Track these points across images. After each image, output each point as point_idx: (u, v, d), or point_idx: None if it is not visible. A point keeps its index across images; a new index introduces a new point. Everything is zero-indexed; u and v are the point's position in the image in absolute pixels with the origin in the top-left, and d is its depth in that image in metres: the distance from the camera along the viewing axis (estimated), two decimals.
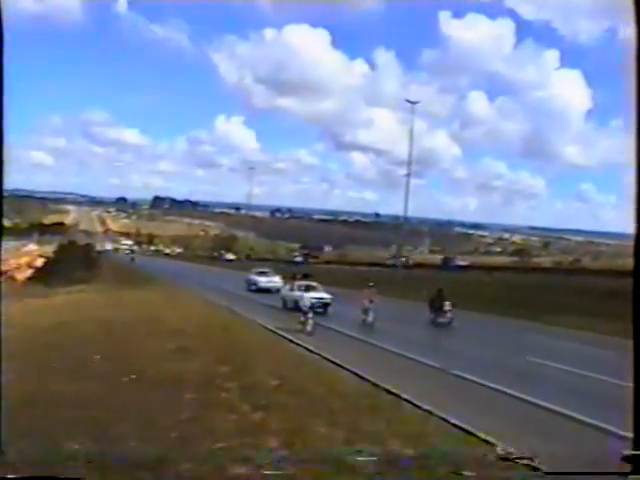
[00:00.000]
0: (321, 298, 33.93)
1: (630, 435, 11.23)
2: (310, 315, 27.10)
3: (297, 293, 35.22)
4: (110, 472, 8.09)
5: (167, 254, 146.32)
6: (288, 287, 38.55)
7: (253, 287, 48.86)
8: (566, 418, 13.91)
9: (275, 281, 47.88)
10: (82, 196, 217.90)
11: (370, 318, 30.26)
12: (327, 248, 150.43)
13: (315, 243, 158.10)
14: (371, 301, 30.89)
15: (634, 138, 4.24)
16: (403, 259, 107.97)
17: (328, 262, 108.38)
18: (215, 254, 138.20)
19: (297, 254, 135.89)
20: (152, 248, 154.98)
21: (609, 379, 17.91)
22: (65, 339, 20.65)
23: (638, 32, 4.19)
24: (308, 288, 35.63)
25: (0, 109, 4.14)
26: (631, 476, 4.97)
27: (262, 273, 51.28)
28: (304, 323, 26.82)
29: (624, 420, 12.50)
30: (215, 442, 9.93)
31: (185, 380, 14.40)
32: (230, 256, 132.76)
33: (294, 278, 39.94)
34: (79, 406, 11.75)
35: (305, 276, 40.75)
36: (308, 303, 29.04)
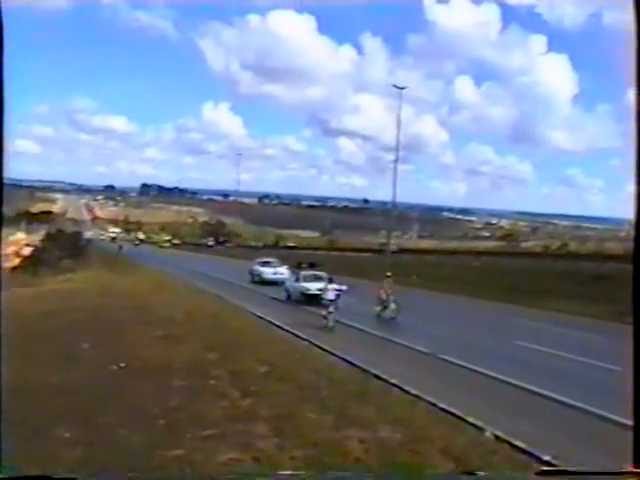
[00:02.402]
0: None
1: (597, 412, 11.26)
2: (331, 309, 24.86)
3: (304, 284, 32.96)
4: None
5: (141, 240, 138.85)
6: (293, 277, 35.73)
7: (257, 279, 45.15)
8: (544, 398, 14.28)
9: (281, 272, 43.56)
10: (70, 184, 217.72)
11: (389, 312, 27.25)
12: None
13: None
14: (389, 293, 27.73)
15: (634, 128, 4.27)
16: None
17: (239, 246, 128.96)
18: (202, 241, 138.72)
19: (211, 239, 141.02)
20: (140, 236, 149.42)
21: (591, 361, 18.24)
22: (53, 328, 20.61)
23: (638, 31, 4.21)
24: (315, 278, 32.86)
25: (1, 106, 4.15)
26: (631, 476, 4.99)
27: (266, 263, 47.22)
28: (326, 318, 24.82)
29: (600, 399, 12.79)
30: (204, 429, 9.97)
31: (174, 368, 14.40)
32: (165, 237, 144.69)
33: (299, 267, 36.69)
34: (68, 395, 11.76)
35: (311, 265, 37.12)
36: (332, 296, 25.42)
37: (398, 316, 26.78)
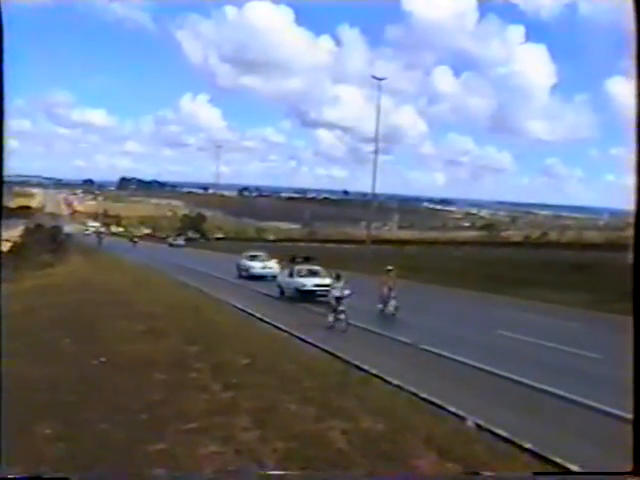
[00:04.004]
0: (326, 285, 28.16)
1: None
2: (342, 307, 22.65)
3: (298, 279, 31.35)
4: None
5: (114, 234, 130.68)
6: (286, 272, 33.71)
7: (244, 274, 43.51)
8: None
9: (270, 266, 42.27)
10: (48, 179, 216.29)
11: (391, 308, 25.78)
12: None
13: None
14: (390, 288, 26.19)
15: (634, 128, 4.30)
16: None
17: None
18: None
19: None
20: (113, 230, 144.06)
21: (572, 350, 18.44)
22: (34, 323, 20.47)
23: (638, 31, 4.23)
24: (310, 273, 31.80)
25: (1, 105, 4.12)
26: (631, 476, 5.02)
27: (254, 257, 45.24)
28: (335, 317, 22.76)
29: (578, 385, 12.96)
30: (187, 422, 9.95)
31: (156, 361, 14.34)
32: (92, 223, 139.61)
33: (293, 261, 34.53)
34: (49, 390, 11.70)
35: (306, 259, 35.20)
36: (338, 293, 23.12)
37: (398, 313, 25.48)
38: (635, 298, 4.20)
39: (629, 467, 4.88)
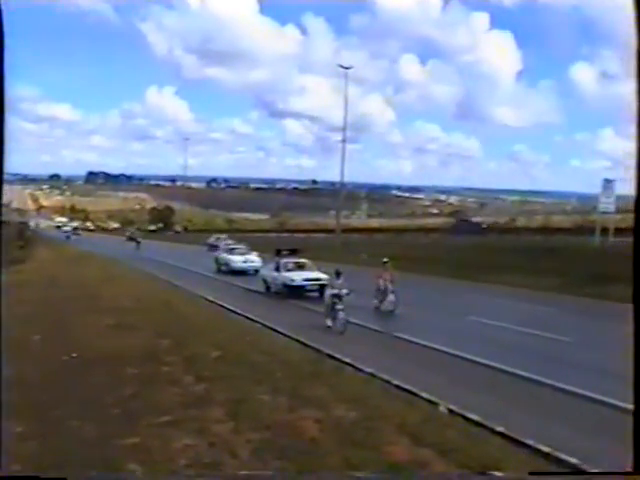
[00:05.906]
0: (316, 279, 27.88)
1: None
2: (340, 306, 20.36)
3: (286, 274, 29.18)
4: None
5: (77, 228, 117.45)
6: (272, 266, 31.30)
7: (224, 268, 41.29)
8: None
9: (252, 260, 40.20)
10: (14, 174, 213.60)
11: (389, 304, 24.04)
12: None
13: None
14: (389, 281, 24.44)
15: (635, 127, 4.32)
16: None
17: None
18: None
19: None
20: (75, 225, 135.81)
21: (542, 333, 18.63)
22: (4, 319, 20.24)
23: (638, 32, 4.24)
24: (297, 266, 30.07)
25: (1, 106, 4.08)
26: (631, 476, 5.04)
27: (234, 250, 42.93)
28: (332, 317, 20.71)
29: (548, 368, 13.12)
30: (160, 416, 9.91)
31: (127, 356, 14.26)
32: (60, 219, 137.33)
33: (279, 254, 32.10)
34: (18, 387, 11.57)
35: (292, 252, 33.07)
36: (336, 291, 20.91)
37: (397, 310, 23.78)
38: (635, 295, 4.21)
39: (629, 467, 4.90)
